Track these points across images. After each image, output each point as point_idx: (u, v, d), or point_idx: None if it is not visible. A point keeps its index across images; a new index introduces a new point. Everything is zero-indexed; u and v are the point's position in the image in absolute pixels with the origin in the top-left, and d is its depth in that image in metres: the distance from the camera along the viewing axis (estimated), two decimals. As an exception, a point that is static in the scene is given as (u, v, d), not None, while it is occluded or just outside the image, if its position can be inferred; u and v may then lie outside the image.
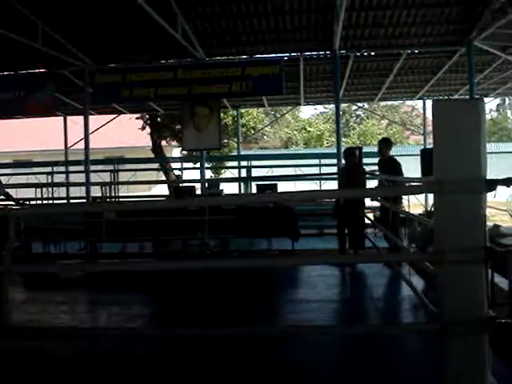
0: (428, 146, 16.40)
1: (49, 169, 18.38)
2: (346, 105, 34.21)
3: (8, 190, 10.38)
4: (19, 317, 6.70)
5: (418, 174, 7.65)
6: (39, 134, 29.28)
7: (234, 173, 21.01)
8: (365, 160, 11.37)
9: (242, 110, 22.02)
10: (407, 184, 8.33)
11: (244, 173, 19.25)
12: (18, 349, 4.80)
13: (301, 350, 4.98)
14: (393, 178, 8.44)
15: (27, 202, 12.63)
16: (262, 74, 11.50)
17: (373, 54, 12.96)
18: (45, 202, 14.96)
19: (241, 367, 4.73)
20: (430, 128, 17.58)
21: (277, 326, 5.51)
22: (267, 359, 4.94)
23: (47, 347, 4.71)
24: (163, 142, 22.65)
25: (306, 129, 43.90)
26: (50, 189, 15.86)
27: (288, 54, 12.75)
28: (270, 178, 16.41)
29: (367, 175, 10.23)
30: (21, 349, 4.81)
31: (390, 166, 9.30)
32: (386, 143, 9.88)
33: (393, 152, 10.30)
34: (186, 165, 21.46)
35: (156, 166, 22.68)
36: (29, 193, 15.40)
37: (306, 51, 12.51)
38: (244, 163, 19.60)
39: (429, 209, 11.18)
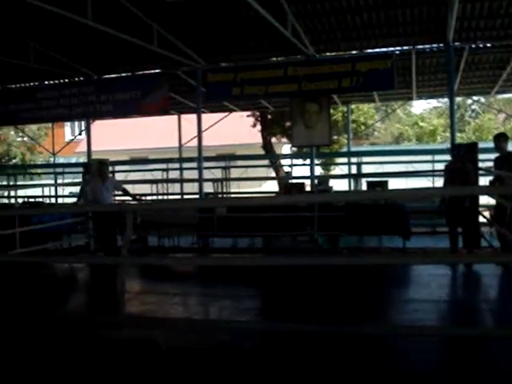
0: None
1: (164, 166, 19.04)
2: (460, 98, 32.92)
3: (125, 186, 10.90)
4: (135, 307, 7.02)
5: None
6: (154, 133, 30.41)
7: (343, 169, 20.80)
8: (481, 156, 10.89)
9: (353, 106, 21.73)
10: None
11: (354, 169, 19.02)
12: (133, 339, 5.03)
13: (411, 351, 4.88)
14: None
15: (143, 198, 13.18)
16: (372, 69, 11.30)
17: (489, 45, 12.40)
18: (160, 197, 15.56)
19: (347, 365, 4.70)
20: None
21: (385, 325, 5.43)
22: (374, 358, 4.88)
23: (160, 337, 4.88)
24: (273, 139, 22.83)
25: (418, 124, 42.68)
26: (164, 185, 16.47)
27: (399, 48, 12.46)
28: (380, 175, 16.11)
29: (481, 171, 9.82)
30: (135, 339, 5.03)
31: (509, 162, 8.85)
32: (502, 138, 9.42)
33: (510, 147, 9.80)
34: (295, 161, 21.49)
35: (266, 162, 22.89)
36: (145, 189, 16.07)
37: (417, 44, 12.17)
38: (354, 159, 19.36)
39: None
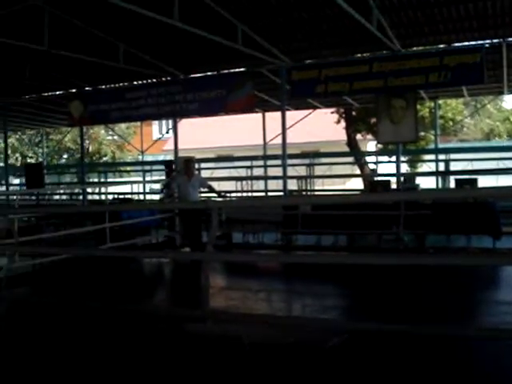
0: None
1: (248, 163, 19.23)
2: (557, 92, 31.35)
3: (211, 183, 11.07)
4: (219, 302, 7.12)
5: None
6: (239, 131, 30.75)
7: (431, 166, 20.30)
8: None
9: (440, 101, 21.13)
10: None
11: (442, 167, 18.54)
12: (216, 333, 5.10)
13: (500, 355, 4.71)
14: None
15: (228, 195, 13.35)
16: (461, 63, 10.95)
17: None
18: (244, 194, 15.71)
19: (432, 368, 4.59)
20: None
21: (471, 327, 5.26)
22: (460, 361, 4.73)
23: (243, 333, 4.92)
24: (358, 136, 22.57)
25: (509, 119, 41.01)
26: (249, 182, 16.62)
27: (489, 41, 12.00)
28: (469, 173, 15.61)
29: None
30: (218, 333, 5.11)
31: None
32: None
33: None
34: (381, 158, 21.19)
35: (351, 159, 22.68)
36: (230, 186, 16.28)
37: (508, 37, 11.68)
38: (442, 156, 18.86)
39: None
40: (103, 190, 20.03)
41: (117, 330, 5.75)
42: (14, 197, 15.11)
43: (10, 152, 28.28)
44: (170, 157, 20.86)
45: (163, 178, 15.32)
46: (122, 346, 5.29)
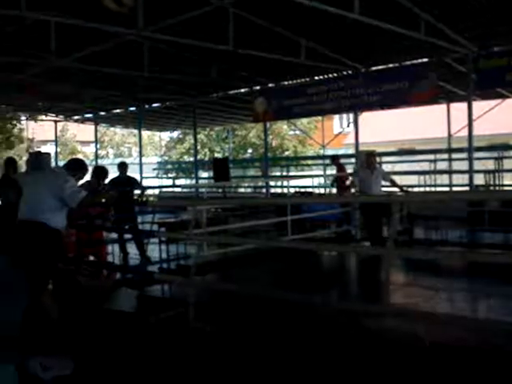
0: None
1: (431, 156, 18.59)
2: None
3: (393, 177, 10.91)
4: (398, 298, 6.99)
5: None
6: (421, 123, 29.80)
7: None
8: None
9: None
10: None
11: None
12: (395, 330, 5.02)
13: None
14: None
15: (410, 189, 13.04)
16: None
17: None
18: (427, 188, 15.25)
19: None
20: None
21: None
22: None
23: (423, 331, 4.80)
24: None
25: None
26: (432, 176, 16.09)
27: None
28: None
29: None
30: (398, 330, 5.02)
31: None
32: None
33: None
34: None
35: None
36: (412, 180, 15.88)
37: None
38: None
39: None
40: (285, 183, 20.57)
41: (294, 321, 5.89)
42: (203, 189, 16.08)
43: (199, 147, 30.09)
44: (351, 151, 20.80)
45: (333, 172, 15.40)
46: (296, 338, 5.41)
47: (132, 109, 21.46)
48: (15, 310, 3.22)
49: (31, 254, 3.71)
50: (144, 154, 24.39)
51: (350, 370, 4.61)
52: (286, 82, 15.97)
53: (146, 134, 36.54)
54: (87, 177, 7.68)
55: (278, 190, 21.59)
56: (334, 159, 15.20)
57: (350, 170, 15.88)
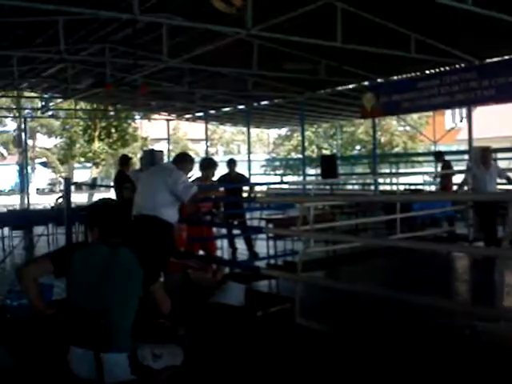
0: None
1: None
2: None
3: (510, 174, 10.42)
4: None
5: None
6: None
7: None
8: None
9: None
10: None
11: None
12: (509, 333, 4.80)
13: None
14: None
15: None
16: None
17: None
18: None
19: None
20: None
21: None
22: None
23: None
24: None
25: None
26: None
27: None
28: None
29: None
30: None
31: None
32: None
33: None
34: None
35: None
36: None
37: None
38: None
39: None
40: (394, 180, 20.18)
41: (404, 323, 5.77)
42: (310, 186, 16.09)
43: (306, 144, 30.10)
44: (464, 146, 20.05)
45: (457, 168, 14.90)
46: (405, 342, 5.29)
47: (241, 107, 21.82)
48: (133, 299, 3.38)
49: (145, 246, 3.87)
50: (252, 152, 24.70)
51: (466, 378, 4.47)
52: (395, 77, 15.65)
53: (254, 131, 37.01)
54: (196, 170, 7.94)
55: (387, 188, 21.22)
56: (439, 156, 14.73)
57: (461, 167, 15.35)
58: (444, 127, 29.66)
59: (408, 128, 32.42)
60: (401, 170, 24.98)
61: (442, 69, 14.28)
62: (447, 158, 15.03)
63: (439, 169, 15.16)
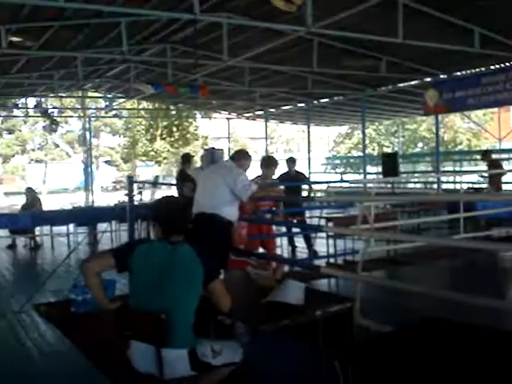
0: None
1: None
2: None
3: None
4: None
5: None
6: None
7: None
8: None
9: None
10: None
11: None
12: None
13: None
14: None
15: None
16: None
17: None
18: None
19: None
20: None
21: None
22: None
23: None
24: None
25: None
26: None
27: None
28: None
29: None
30: None
31: None
32: None
33: None
34: None
35: None
36: None
37: None
38: None
39: None
40: (458, 178, 19.72)
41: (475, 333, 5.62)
42: (371, 185, 15.90)
43: (367, 142, 29.77)
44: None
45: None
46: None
47: (301, 105, 21.77)
48: (193, 297, 3.42)
49: (206, 244, 3.92)
50: (312, 150, 24.61)
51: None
52: (458, 73, 15.28)
53: (314, 129, 36.87)
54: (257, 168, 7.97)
55: (451, 186, 20.75)
56: (485, 155, 14.23)
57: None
58: (510, 124, 28.79)
59: (472, 125, 31.64)
60: (464, 168, 24.40)
61: (508, 64, 13.85)
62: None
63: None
